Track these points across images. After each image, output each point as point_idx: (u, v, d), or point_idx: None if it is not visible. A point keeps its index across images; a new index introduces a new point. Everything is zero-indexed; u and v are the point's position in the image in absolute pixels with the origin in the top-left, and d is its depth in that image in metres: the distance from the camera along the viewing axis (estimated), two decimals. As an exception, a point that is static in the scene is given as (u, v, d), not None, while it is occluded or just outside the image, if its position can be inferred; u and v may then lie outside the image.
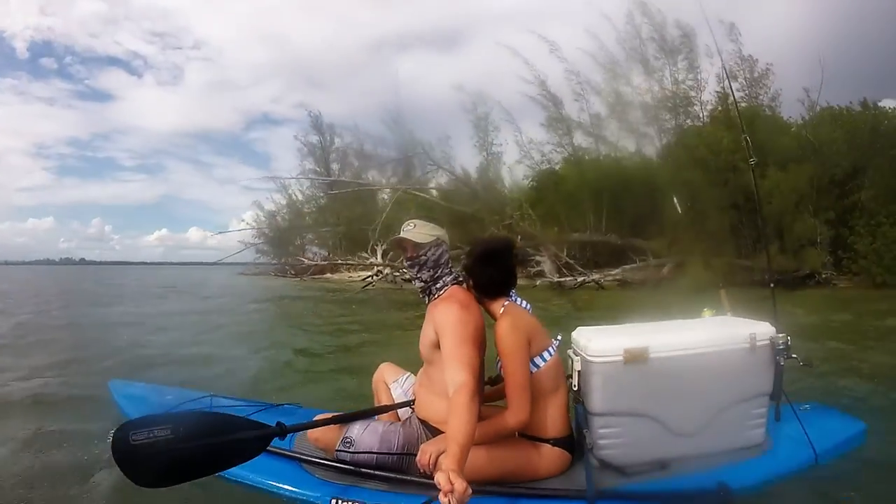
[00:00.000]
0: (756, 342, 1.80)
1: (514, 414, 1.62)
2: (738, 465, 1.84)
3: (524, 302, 1.84)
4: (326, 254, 25.93)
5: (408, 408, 2.00)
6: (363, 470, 1.70)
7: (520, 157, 16.62)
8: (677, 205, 3.82)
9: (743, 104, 14.77)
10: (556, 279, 12.43)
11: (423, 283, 1.82)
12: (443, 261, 1.82)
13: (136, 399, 2.64)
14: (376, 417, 1.99)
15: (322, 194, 28.75)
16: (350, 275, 19.33)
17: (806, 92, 15.90)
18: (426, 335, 1.73)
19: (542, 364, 1.69)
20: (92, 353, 5.39)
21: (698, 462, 1.79)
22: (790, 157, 12.59)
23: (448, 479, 1.15)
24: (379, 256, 16.31)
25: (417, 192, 15.01)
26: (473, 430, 1.40)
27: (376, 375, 2.21)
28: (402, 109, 21.77)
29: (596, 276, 12.21)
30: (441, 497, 1.13)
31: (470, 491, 1.16)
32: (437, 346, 1.67)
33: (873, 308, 8.71)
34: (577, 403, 1.78)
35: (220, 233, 25.79)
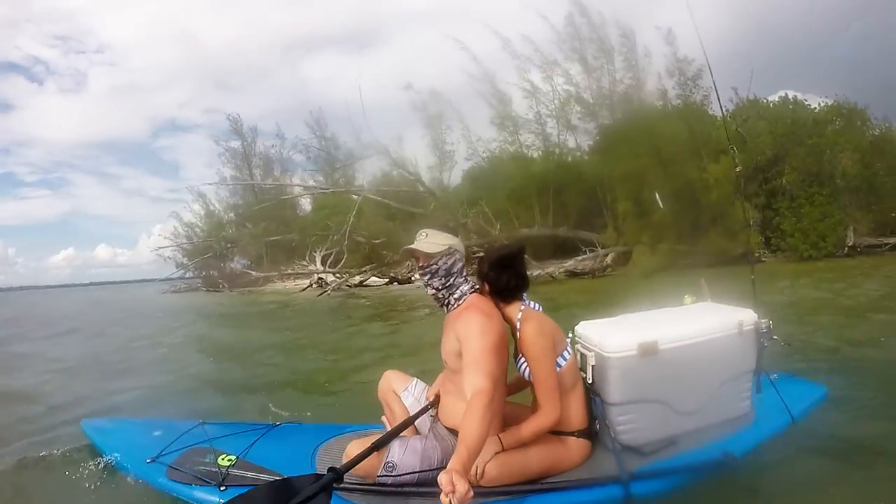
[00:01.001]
0: (743, 328, 2.10)
1: (548, 414, 1.75)
2: (734, 434, 2.13)
3: (537, 304, 1.94)
4: (249, 263, 24.43)
5: (428, 415, 2.02)
6: (408, 489, 1.74)
7: (468, 155, 16.75)
8: (659, 200, 3.97)
9: (678, 102, 15.98)
10: None
11: (434, 291, 1.86)
12: (455, 269, 1.85)
13: (120, 438, 2.40)
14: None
15: (242, 201, 27.14)
16: (285, 284, 18.27)
17: (734, 90, 17.45)
18: (449, 344, 1.78)
19: (563, 363, 1.81)
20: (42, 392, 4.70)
21: (699, 436, 2.04)
22: (723, 149, 13.51)
23: (450, 481, 1.19)
24: (318, 263, 15.51)
25: (371, 196, 14.43)
26: (485, 436, 1.45)
27: (383, 384, 2.18)
28: (324, 112, 21.61)
29: (550, 269, 12.41)
30: (441, 497, 1.18)
31: (471, 494, 1.21)
32: (461, 354, 1.69)
33: (805, 279, 9.96)
34: (594, 396, 1.93)
35: (160, 248, 24.52)
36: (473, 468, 1.63)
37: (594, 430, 1.93)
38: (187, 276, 28.24)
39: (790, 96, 18.05)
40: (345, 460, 1.62)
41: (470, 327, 1.68)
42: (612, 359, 1.90)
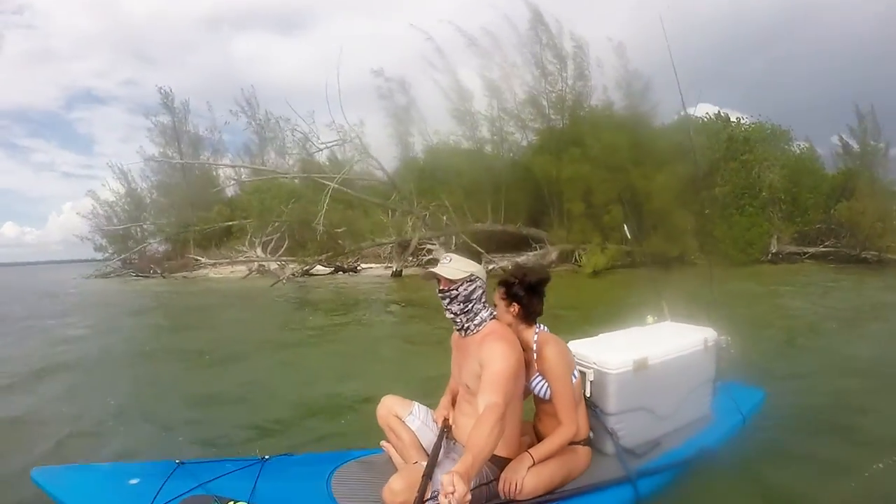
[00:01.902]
0: (708, 344, 2.57)
1: (570, 428, 1.95)
2: (700, 434, 2.50)
3: (545, 327, 2.10)
4: (170, 248, 22.91)
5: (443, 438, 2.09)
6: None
7: (423, 147, 16.69)
8: (627, 232, 4.50)
9: (625, 112, 16.78)
10: None
11: (452, 315, 1.92)
12: (475, 296, 1.91)
13: (91, 491, 1.97)
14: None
15: (170, 181, 25.30)
16: (219, 271, 17.36)
17: (682, 103, 18.55)
18: (471, 368, 1.85)
19: (573, 381, 2.00)
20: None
21: (675, 436, 2.41)
22: (667, 160, 14.52)
23: (451, 482, 1.25)
24: (259, 250, 14.95)
25: (323, 180, 14.00)
26: (493, 447, 1.55)
27: (382, 411, 2.18)
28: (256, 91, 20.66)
29: (503, 264, 12.78)
30: (441, 497, 1.24)
31: (469, 497, 1.28)
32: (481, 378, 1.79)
33: (737, 284, 10.79)
34: (593, 408, 2.21)
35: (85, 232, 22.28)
36: (512, 484, 1.82)
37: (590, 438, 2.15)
38: (109, 259, 26.04)
39: (722, 114, 19.63)
40: (388, 496, 1.64)
41: (493, 353, 1.76)
42: (612, 374, 2.21)
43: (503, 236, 14.62)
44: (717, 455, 2.40)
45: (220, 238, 19.58)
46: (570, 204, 14.37)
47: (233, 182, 21.83)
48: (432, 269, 1.88)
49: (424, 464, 1.77)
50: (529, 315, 2.06)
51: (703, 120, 18.96)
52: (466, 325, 1.92)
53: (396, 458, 2.15)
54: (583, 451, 2.05)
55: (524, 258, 13.78)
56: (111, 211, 28.56)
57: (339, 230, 12.80)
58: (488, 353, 1.78)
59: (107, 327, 8.21)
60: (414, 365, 5.02)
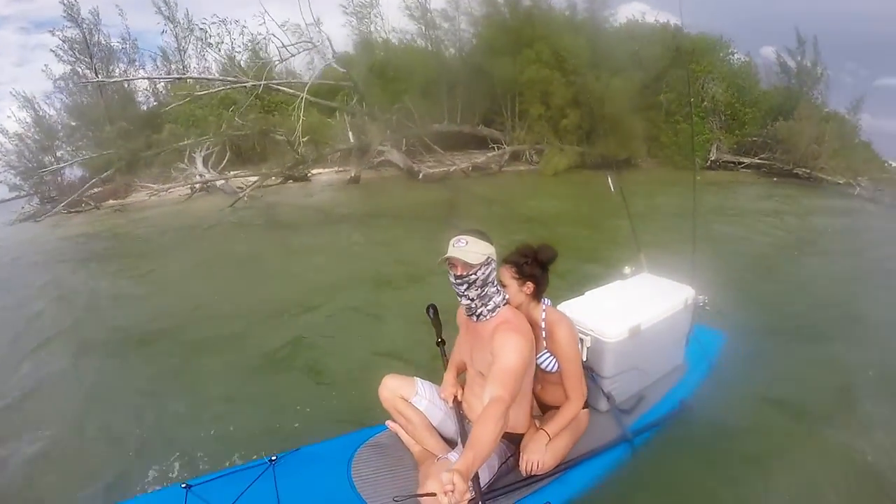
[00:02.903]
0: (688, 303, 2.76)
1: (579, 400, 2.11)
2: (678, 385, 2.74)
3: (549, 301, 2.17)
4: (86, 175, 20.97)
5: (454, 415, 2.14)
6: (487, 497, 1.81)
7: (379, 46, 15.94)
8: (611, 184, 4.72)
9: (585, 15, 17.00)
10: (425, 168, 12.71)
11: (469, 302, 1.88)
12: (490, 279, 1.88)
13: None
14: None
15: (88, 102, 22.81)
16: (154, 195, 16.09)
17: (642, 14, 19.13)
18: (484, 358, 1.86)
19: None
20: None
21: (655, 387, 2.66)
22: (622, 66, 15.08)
23: (451, 480, 1.26)
24: (200, 165, 14.11)
25: (280, 88, 13.22)
26: (495, 444, 1.53)
27: (386, 393, 2.15)
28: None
29: (464, 165, 12.94)
30: (441, 496, 1.24)
31: (468, 496, 1.29)
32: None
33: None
34: (589, 371, 2.37)
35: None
36: (534, 462, 1.94)
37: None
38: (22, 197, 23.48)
39: (671, 23, 20.17)
40: (424, 482, 1.63)
41: (507, 346, 1.75)
42: (610, 343, 2.37)
43: (459, 136, 14.70)
44: (693, 403, 2.64)
45: (152, 158, 18.02)
46: (528, 106, 14.60)
47: (158, 95, 19.91)
48: (450, 255, 1.81)
49: (449, 456, 1.89)
50: (541, 293, 2.11)
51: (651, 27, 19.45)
52: (480, 311, 1.89)
53: (406, 438, 2.18)
54: (583, 415, 2.18)
55: (484, 158, 13.99)
56: (22, 144, 25.67)
57: (305, 139, 12.28)
58: (501, 344, 1.77)
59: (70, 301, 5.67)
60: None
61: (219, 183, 13.48)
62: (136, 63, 26.36)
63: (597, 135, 15.31)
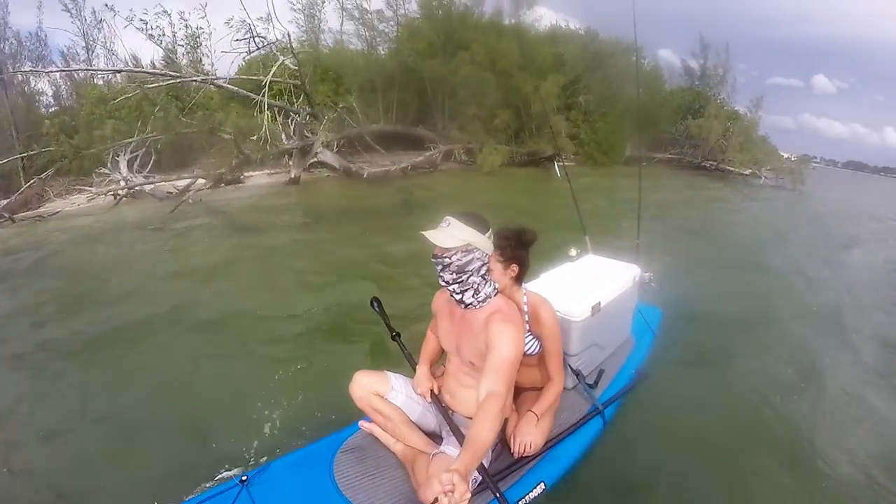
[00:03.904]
0: (636, 280, 3.03)
1: (561, 382, 2.19)
2: (630, 356, 2.99)
3: (525, 284, 2.23)
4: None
5: (430, 407, 2.14)
6: (479, 487, 1.82)
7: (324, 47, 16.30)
8: (557, 170, 5.45)
9: (513, 21, 18.40)
10: (367, 168, 13.16)
11: (445, 284, 1.85)
12: (471, 268, 1.81)
13: None
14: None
15: None
16: (73, 203, 15.16)
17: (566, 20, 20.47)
18: (476, 348, 1.84)
19: None
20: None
21: (611, 360, 2.88)
22: (548, 68, 16.45)
23: (451, 481, 1.25)
24: (124, 168, 13.59)
25: (215, 85, 12.77)
26: (492, 441, 1.55)
27: (359, 391, 2.08)
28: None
29: (403, 164, 13.58)
30: (441, 496, 1.23)
31: (468, 496, 1.27)
32: (485, 356, 1.77)
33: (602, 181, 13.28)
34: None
35: None
36: (527, 445, 2.00)
37: None
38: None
39: (585, 29, 21.95)
40: (424, 483, 1.65)
41: (502, 337, 1.74)
42: (577, 322, 2.48)
43: (393, 136, 15.16)
44: (647, 372, 2.89)
45: (69, 164, 16.88)
46: (463, 106, 15.46)
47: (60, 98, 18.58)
48: (423, 233, 1.79)
49: (441, 450, 1.88)
50: (524, 275, 2.14)
51: (575, 32, 21.10)
52: (467, 301, 1.86)
53: (384, 437, 2.12)
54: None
55: (422, 157, 14.60)
56: None
57: (253, 137, 12.20)
58: (497, 335, 1.75)
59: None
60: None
61: (148, 188, 13.12)
62: (47, 59, 24.47)
63: (525, 133, 16.59)
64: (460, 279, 1.81)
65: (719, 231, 9.64)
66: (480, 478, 1.78)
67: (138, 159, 14.06)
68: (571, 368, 2.52)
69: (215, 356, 3.84)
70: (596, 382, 2.60)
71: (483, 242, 1.82)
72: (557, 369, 2.18)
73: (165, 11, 14.06)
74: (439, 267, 1.81)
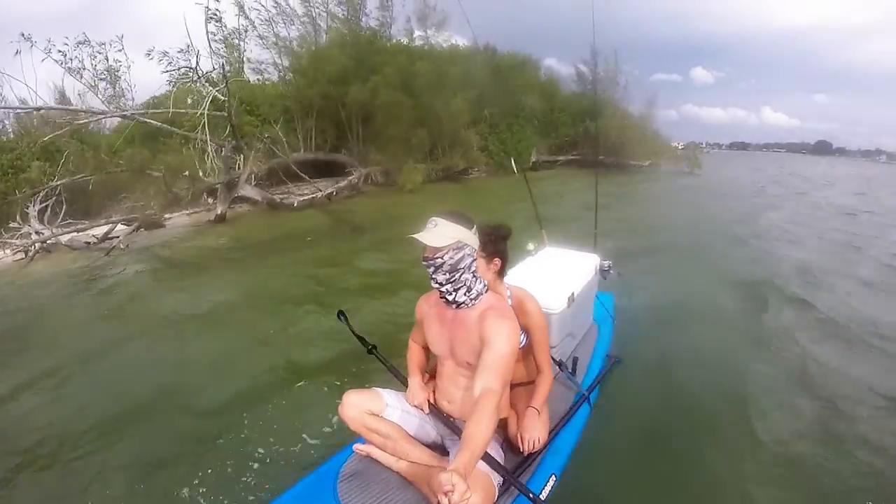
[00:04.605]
0: (597, 269, 3.24)
1: (550, 371, 2.21)
2: (598, 342, 3.12)
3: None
4: None
5: (419, 414, 2.12)
6: (515, 483, 1.84)
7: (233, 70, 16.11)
8: (514, 166, 5.92)
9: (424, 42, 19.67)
10: (295, 198, 13.62)
11: (437, 286, 1.86)
12: (462, 265, 1.83)
13: None
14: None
15: None
16: None
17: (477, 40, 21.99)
18: (471, 346, 1.85)
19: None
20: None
21: (582, 349, 2.99)
22: (459, 86, 17.71)
23: (451, 481, 1.25)
24: (35, 221, 13.11)
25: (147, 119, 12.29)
26: (490, 438, 1.54)
27: (352, 411, 2.02)
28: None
29: (329, 190, 14.25)
30: (441, 497, 1.24)
31: (468, 496, 1.27)
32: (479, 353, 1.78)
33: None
34: None
35: None
36: (535, 441, 2.01)
37: None
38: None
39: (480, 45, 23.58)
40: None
41: (498, 333, 1.76)
42: (556, 314, 2.55)
43: (313, 165, 15.71)
44: (615, 354, 3.12)
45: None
46: (382, 128, 16.36)
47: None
48: (414, 236, 1.80)
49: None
50: (505, 269, 2.21)
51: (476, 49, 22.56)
52: (460, 300, 1.87)
53: (384, 457, 2.04)
54: None
55: (346, 182, 15.28)
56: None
57: (185, 173, 11.91)
58: (493, 331, 1.77)
59: None
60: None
61: (64, 239, 12.67)
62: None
63: (439, 150, 17.86)
64: (453, 278, 1.83)
65: (646, 215, 11.42)
66: (500, 479, 1.80)
67: (48, 209, 13.60)
68: (553, 359, 2.50)
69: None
70: (574, 370, 2.69)
71: (471, 238, 1.86)
72: (546, 360, 2.22)
73: (87, 41, 13.21)
74: (431, 269, 1.83)
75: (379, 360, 2.37)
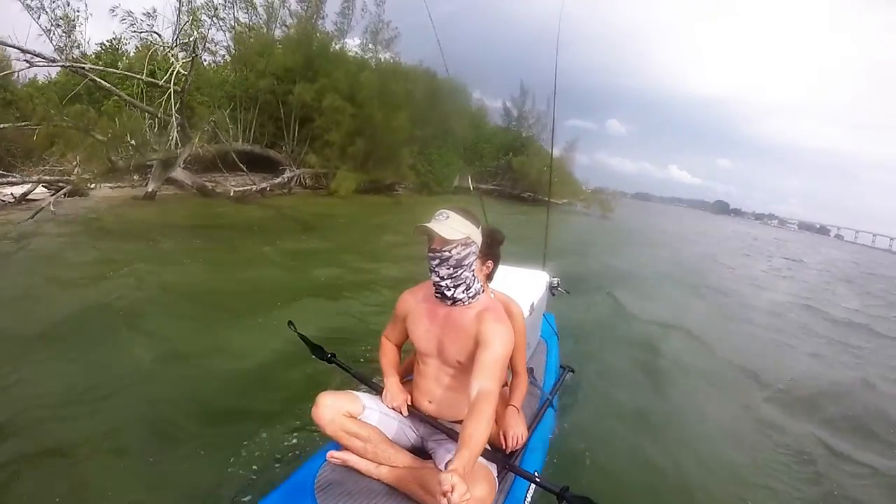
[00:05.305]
0: (548, 285, 3.54)
1: (525, 374, 2.32)
2: (549, 353, 3.29)
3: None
4: None
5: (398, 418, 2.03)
6: (520, 471, 1.89)
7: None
8: (470, 183, 6.75)
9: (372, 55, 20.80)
10: (231, 186, 13.78)
11: (438, 279, 1.86)
12: (466, 262, 1.85)
13: None
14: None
15: None
16: None
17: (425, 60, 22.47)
18: (464, 346, 1.86)
19: None
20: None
21: (536, 360, 3.15)
22: (399, 103, 18.64)
23: (450, 482, 1.25)
24: None
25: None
26: (487, 439, 1.57)
27: (329, 414, 1.91)
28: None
29: (264, 185, 14.52)
30: (440, 497, 1.25)
31: (468, 496, 1.27)
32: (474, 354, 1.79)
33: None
34: None
35: None
36: (519, 438, 2.06)
37: None
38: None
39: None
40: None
41: (496, 335, 1.79)
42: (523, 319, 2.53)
43: (247, 157, 15.77)
44: (568, 365, 3.25)
45: None
46: (322, 132, 16.98)
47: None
48: (426, 225, 1.80)
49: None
50: (494, 273, 2.25)
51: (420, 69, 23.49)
52: (458, 297, 1.88)
53: (362, 464, 1.92)
54: None
55: (281, 179, 15.76)
56: None
57: (132, 141, 11.19)
58: (491, 333, 1.79)
59: None
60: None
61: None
62: None
63: (374, 161, 18.63)
64: (456, 274, 1.85)
65: (566, 244, 12.82)
66: (495, 473, 1.82)
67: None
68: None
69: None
70: (536, 379, 2.81)
71: (478, 237, 1.90)
72: (523, 364, 2.28)
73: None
74: (436, 261, 1.83)
75: (341, 367, 2.34)
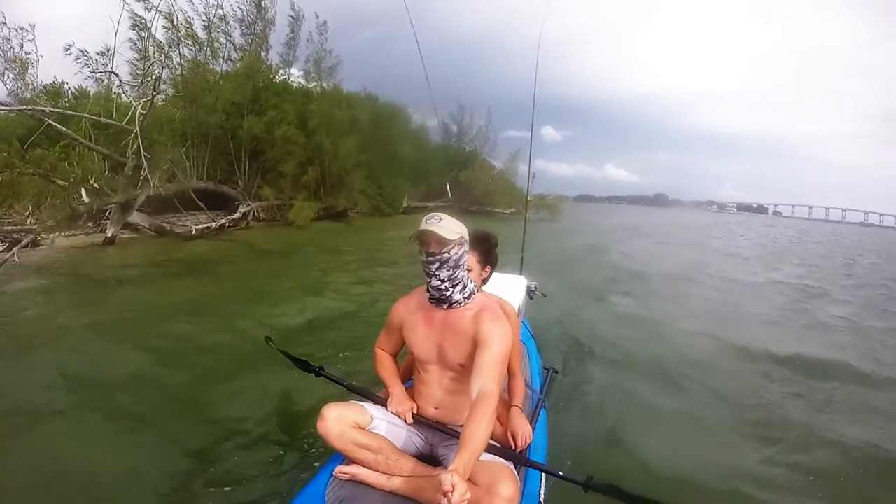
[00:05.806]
0: (528, 290, 3.78)
1: (521, 375, 2.39)
2: (532, 356, 3.31)
3: None
4: None
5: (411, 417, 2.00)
6: (533, 463, 1.94)
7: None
8: (449, 191, 7.13)
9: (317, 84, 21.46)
10: (192, 225, 13.84)
11: (439, 283, 1.88)
12: (462, 262, 1.90)
13: None
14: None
15: None
16: None
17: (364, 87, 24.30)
18: (463, 348, 1.87)
19: None
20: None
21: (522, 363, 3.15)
22: (346, 129, 19.45)
23: (451, 482, 1.28)
24: None
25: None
26: (488, 438, 1.60)
27: (336, 427, 1.85)
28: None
29: (222, 221, 14.72)
30: (441, 497, 1.27)
31: (469, 496, 1.30)
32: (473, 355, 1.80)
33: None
34: None
35: None
36: (525, 437, 2.06)
37: None
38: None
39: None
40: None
41: (494, 334, 1.81)
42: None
43: (202, 194, 15.82)
44: (553, 367, 3.29)
45: None
46: (276, 163, 17.55)
47: None
48: (425, 228, 1.81)
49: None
50: (489, 277, 2.31)
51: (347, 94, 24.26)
52: (456, 298, 1.90)
53: (373, 477, 1.86)
54: None
55: (238, 214, 16.02)
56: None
57: (94, 185, 11.21)
58: (489, 333, 1.80)
59: None
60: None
61: None
62: None
63: (326, 189, 19.35)
64: (454, 275, 1.87)
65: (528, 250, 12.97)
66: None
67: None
68: None
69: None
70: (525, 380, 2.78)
71: (467, 235, 1.95)
72: (518, 364, 2.29)
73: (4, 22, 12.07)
74: (435, 264, 1.84)
75: (332, 381, 2.29)
